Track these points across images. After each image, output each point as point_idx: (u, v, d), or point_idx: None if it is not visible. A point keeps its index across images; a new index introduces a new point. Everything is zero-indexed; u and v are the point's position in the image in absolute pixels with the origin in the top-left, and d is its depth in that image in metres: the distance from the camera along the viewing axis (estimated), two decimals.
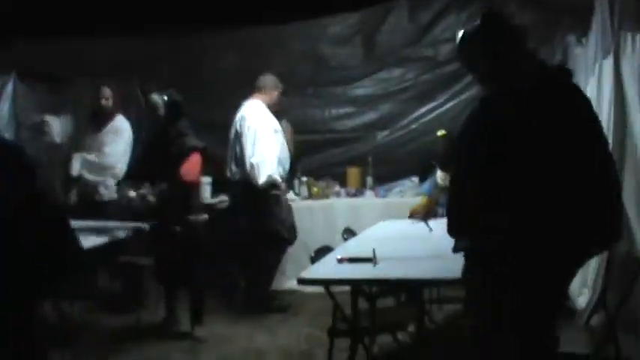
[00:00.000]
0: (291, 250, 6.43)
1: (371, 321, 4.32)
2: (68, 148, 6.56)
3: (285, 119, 6.52)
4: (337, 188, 7.35)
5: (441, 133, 5.56)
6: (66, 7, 5.44)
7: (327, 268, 3.84)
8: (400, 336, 4.56)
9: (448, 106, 7.74)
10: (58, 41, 6.78)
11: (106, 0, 5.47)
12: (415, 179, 7.17)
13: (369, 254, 3.79)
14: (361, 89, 8.02)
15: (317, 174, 7.45)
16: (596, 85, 5.10)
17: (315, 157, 7.66)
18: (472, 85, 7.70)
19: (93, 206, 6.09)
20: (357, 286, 4.11)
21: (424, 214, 5.27)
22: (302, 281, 3.80)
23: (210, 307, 5.98)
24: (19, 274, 2.03)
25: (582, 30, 5.65)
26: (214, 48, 8.05)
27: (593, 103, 5.03)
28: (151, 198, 5.39)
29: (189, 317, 5.53)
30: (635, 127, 4.83)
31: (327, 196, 7.17)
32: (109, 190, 6.26)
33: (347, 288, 4.24)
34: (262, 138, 6.07)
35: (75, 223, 3.32)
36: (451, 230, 3.03)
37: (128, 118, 6.62)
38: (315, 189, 7.14)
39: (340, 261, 3.85)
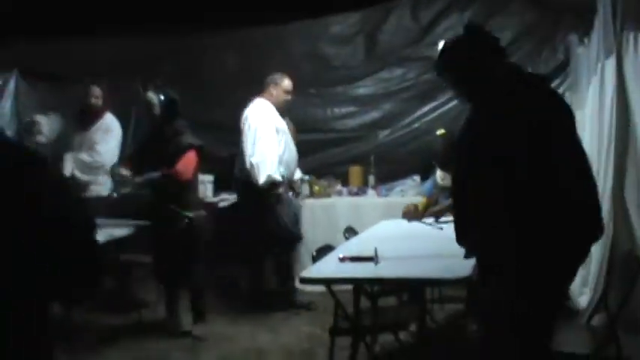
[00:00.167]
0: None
1: (372, 320, 4.32)
2: (58, 148, 6.56)
3: (288, 118, 6.51)
4: (339, 187, 7.35)
5: (440, 132, 5.57)
6: (67, 7, 5.43)
7: (328, 267, 3.84)
8: (402, 335, 4.56)
9: (449, 105, 7.73)
10: (59, 40, 6.79)
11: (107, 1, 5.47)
12: (417, 178, 7.17)
13: (371, 253, 3.79)
14: (363, 89, 8.03)
15: (319, 173, 7.45)
16: (598, 84, 5.10)
17: (317, 156, 7.66)
18: None
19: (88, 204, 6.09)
20: (359, 285, 4.12)
21: (421, 214, 5.28)
22: (304, 280, 3.81)
23: (211, 305, 5.99)
24: (40, 279, 2.03)
25: (584, 29, 5.65)
26: (215, 48, 8.05)
27: (596, 102, 5.08)
28: (139, 181, 5.42)
29: (190, 315, 5.53)
30: (637, 127, 4.83)
31: (328, 195, 7.17)
32: (101, 187, 6.27)
33: (349, 287, 4.25)
34: (262, 137, 6.03)
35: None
36: (459, 239, 3.05)
37: (117, 116, 6.60)
38: (316, 188, 7.14)
39: (342, 260, 3.86)
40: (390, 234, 4.94)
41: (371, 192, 7.21)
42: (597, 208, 3.05)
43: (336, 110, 7.94)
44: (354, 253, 3.97)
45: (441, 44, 3.42)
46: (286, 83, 6.25)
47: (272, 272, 6.41)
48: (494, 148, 2.89)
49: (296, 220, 6.36)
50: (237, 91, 7.76)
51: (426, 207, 5.37)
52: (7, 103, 7.31)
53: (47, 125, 6.73)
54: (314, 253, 4.27)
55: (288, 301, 6.14)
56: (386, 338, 4.71)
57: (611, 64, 4.94)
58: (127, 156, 6.28)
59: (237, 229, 6.39)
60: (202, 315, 5.57)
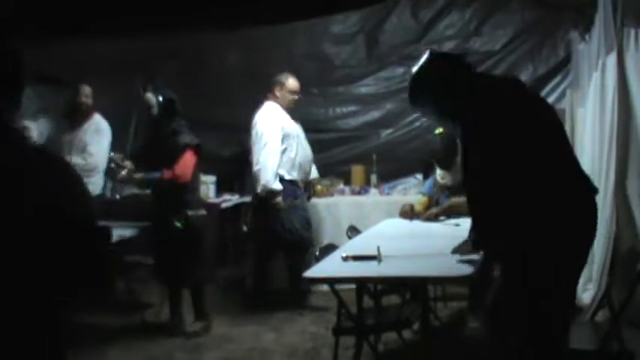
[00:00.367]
0: None
1: (376, 319, 4.33)
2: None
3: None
4: (341, 186, 7.35)
5: (438, 131, 5.58)
6: (68, 6, 5.43)
7: (332, 266, 3.84)
8: (405, 334, 4.56)
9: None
10: (59, 42, 6.79)
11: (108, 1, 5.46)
12: (419, 177, 7.17)
13: (374, 252, 3.79)
14: (364, 88, 8.04)
15: (321, 172, 7.45)
16: (599, 81, 5.10)
17: (319, 156, 7.65)
18: None
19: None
20: (362, 284, 4.12)
21: (420, 214, 5.29)
22: (307, 280, 3.81)
23: (215, 306, 6.00)
24: (53, 283, 2.04)
25: (585, 26, 5.65)
26: (216, 48, 8.06)
27: (597, 99, 5.08)
28: (139, 177, 5.44)
29: (190, 315, 5.58)
30: (639, 123, 4.83)
31: (331, 195, 7.17)
32: (93, 187, 6.27)
33: (352, 286, 4.25)
34: (266, 146, 5.98)
35: None
36: (483, 243, 3.10)
37: (105, 117, 6.57)
38: (319, 187, 7.14)
39: (345, 259, 3.86)
40: (393, 233, 4.94)
41: (373, 191, 7.21)
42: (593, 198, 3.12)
43: (338, 110, 7.95)
44: (357, 252, 3.97)
45: (416, 67, 3.44)
46: (291, 83, 6.19)
47: (281, 273, 6.40)
48: (508, 148, 2.93)
49: (307, 224, 6.27)
50: (239, 91, 7.78)
51: (427, 206, 5.37)
52: None
53: (36, 130, 6.71)
54: (317, 253, 4.27)
55: (299, 303, 6.12)
56: (389, 337, 4.71)
57: (612, 61, 4.94)
58: (127, 155, 6.27)
59: (253, 230, 6.40)
60: (204, 314, 5.57)
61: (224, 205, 7.32)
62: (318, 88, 7.81)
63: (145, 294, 6.18)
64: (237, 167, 7.97)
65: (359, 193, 7.24)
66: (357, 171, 7.50)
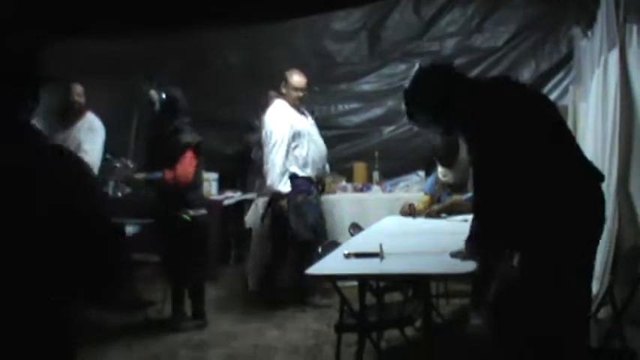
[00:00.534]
0: None
1: (378, 316, 4.33)
2: None
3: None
4: (344, 183, 7.35)
5: None
6: (68, 6, 5.44)
7: (334, 264, 3.84)
8: (408, 331, 4.57)
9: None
10: (60, 41, 6.79)
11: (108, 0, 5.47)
12: (421, 174, 7.17)
13: (376, 249, 3.79)
14: (367, 85, 8.04)
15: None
16: (602, 77, 5.09)
17: None
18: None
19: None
20: (365, 281, 4.12)
21: (421, 212, 5.30)
22: (309, 277, 3.80)
23: (218, 303, 6.01)
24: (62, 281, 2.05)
25: (587, 22, 5.64)
26: (219, 45, 8.07)
27: (599, 95, 5.07)
28: (140, 177, 5.43)
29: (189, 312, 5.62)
30: None
31: (333, 192, 7.16)
32: None
33: (354, 283, 4.25)
34: (275, 145, 5.98)
35: None
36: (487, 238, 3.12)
37: (106, 116, 6.54)
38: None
39: (347, 256, 3.85)
40: (395, 230, 4.94)
41: (375, 188, 7.21)
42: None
43: (340, 107, 7.95)
44: (360, 249, 3.97)
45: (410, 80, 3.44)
46: (294, 79, 6.15)
47: (282, 270, 6.41)
48: (513, 144, 2.95)
49: (321, 220, 6.24)
50: (240, 89, 7.79)
51: (429, 205, 5.37)
52: None
53: None
54: (319, 250, 4.27)
55: (302, 301, 6.11)
56: (392, 334, 4.72)
57: (614, 57, 4.93)
58: (130, 154, 6.27)
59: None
60: (200, 313, 5.58)
61: (226, 202, 7.33)
62: (320, 85, 7.80)
63: (147, 291, 6.18)
64: (239, 165, 7.98)
65: (361, 190, 7.24)
66: (359, 168, 7.50)
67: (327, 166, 6.60)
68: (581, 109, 5.71)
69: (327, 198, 6.93)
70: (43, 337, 2.02)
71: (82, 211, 2.04)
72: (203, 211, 5.47)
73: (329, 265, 3.84)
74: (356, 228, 5.05)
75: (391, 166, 7.44)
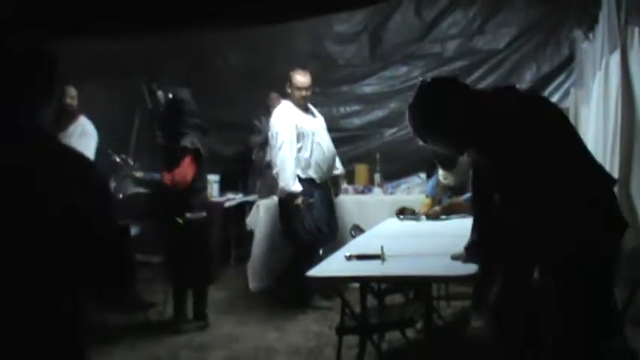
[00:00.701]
0: None
1: (379, 318, 4.33)
2: None
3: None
4: (345, 185, 7.34)
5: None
6: (68, 6, 5.44)
7: (335, 266, 3.84)
8: (409, 333, 4.57)
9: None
10: (60, 41, 6.78)
11: (109, 1, 5.46)
12: (422, 176, 7.17)
13: (378, 251, 3.79)
14: (368, 87, 8.05)
15: None
16: (603, 79, 5.09)
17: None
18: (478, 82, 7.72)
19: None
20: (366, 283, 4.12)
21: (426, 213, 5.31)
22: (310, 279, 3.80)
23: (219, 305, 6.01)
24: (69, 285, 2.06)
25: (589, 24, 5.65)
26: (220, 46, 8.08)
27: (601, 97, 5.07)
28: (139, 176, 5.43)
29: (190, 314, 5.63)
30: None
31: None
32: None
33: (355, 285, 4.25)
34: (282, 146, 5.99)
35: None
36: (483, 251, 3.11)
37: (97, 117, 6.53)
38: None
39: (348, 258, 3.86)
40: (396, 232, 4.94)
41: (377, 190, 7.21)
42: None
43: (342, 109, 7.96)
44: (361, 251, 3.97)
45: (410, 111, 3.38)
46: (297, 80, 6.12)
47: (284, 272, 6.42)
48: (531, 156, 2.93)
49: (324, 223, 6.16)
50: (241, 91, 7.79)
51: (430, 207, 5.37)
52: None
53: None
54: (321, 252, 4.27)
55: (303, 303, 6.11)
56: (393, 336, 4.71)
57: (615, 59, 4.93)
58: (131, 153, 6.26)
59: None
60: (201, 315, 5.58)
61: (227, 204, 7.33)
62: (322, 87, 7.82)
63: (148, 293, 6.18)
64: (240, 166, 7.99)
65: (362, 192, 7.24)
66: (361, 170, 7.50)
67: (341, 168, 6.55)
68: (583, 112, 5.71)
69: None
70: (50, 339, 2.02)
71: (92, 213, 2.04)
72: (202, 215, 5.45)
73: (330, 267, 3.84)
74: (357, 230, 5.06)
75: (392, 169, 7.45)
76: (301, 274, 5.37)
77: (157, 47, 7.43)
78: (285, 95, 6.24)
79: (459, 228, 4.43)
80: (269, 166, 7.16)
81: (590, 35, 5.62)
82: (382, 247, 3.78)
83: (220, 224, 7.10)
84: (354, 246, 4.31)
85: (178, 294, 5.61)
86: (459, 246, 3.60)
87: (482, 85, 7.70)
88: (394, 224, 5.32)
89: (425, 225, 5.09)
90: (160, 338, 5.37)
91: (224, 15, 5.93)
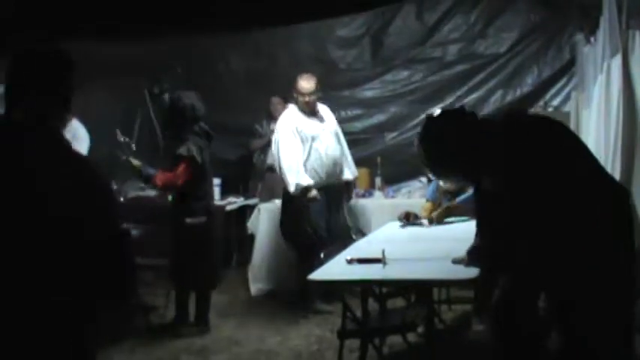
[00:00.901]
0: None
1: (381, 322, 4.32)
2: None
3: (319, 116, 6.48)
4: None
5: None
6: (70, 8, 5.44)
7: (336, 269, 3.84)
8: (410, 336, 4.56)
9: (456, 107, 7.75)
10: (62, 44, 6.79)
11: (110, 2, 5.47)
12: (423, 180, 7.16)
13: (379, 255, 3.79)
14: (370, 91, 8.05)
15: None
16: (604, 83, 5.09)
17: None
18: (479, 86, 7.73)
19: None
20: (367, 286, 4.12)
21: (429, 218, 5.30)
22: (312, 282, 3.80)
23: (220, 308, 6.01)
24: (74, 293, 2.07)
25: (590, 28, 5.65)
26: (221, 50, 8.08)
27: (602, 101, 5.06)
28: (136, 164, 5.44)
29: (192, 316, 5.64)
30: None
31: None
32: None
33: (356, 289, 4.25)
34: (282, 149, 6.04)
35: None
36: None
37: (91, 120, 6.51)
38: None
39: (350, 262, 3.85)
40: (398, 236, 4.94)
41: (378, 194, 7.20)
42: None
43: (343, 113, 7.95)
44: (362, 254, 3.97)
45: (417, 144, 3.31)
46: (300, 85, 6.12)
47: (285, 275, 6.42)
48: (548, 182, 2.92)
49: (321, 227, 6.11)
50: (243, 94, 7.79)
51: (431, 212, 5.36)
52: None
53: None
54: (322, 255, 4.27)
55: (304, 306, 6.10)
56: (394, 340, 4.71)
57: (617, 63, 4.93)
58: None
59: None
60: (202, 319, 5.58)
61: (228, 207, 7.33)
62: (323, 91, 7.80)
63: (149, 296, 6.18)
64: (241, 170, 8.00)
65: (363, 195, 7.23)
66: (362, 174, 7.47)
67: (351, 173, 6.49)
68: (584, 116, 5.71)
69: None
70: (52, 339, 2.03)
71: (94, 216, 2.05)
72: (201, 219, 5.43)
73: (332, 270, 3.84)
74: (358, 233, 5.05)
75: (393, 172, 7.44)
76: (301, 276, 5.40)
77: (159, 50, 7.43)
78: (289, 100, 6.28)
79: (460, 232, 4.43)
80: (270, 169, 7.17)
81: (592, 39, 5.62)
82: (383, 251, 3.78)
83: (221, 228, 7.09)
84: (355, 249, 4.31)
85: (180, 297, 5.62)
86: (461, 250, 3.60)
87: (483, 89, 7.72)
88: (395, 228, 5.32)
89: (426, 229, 5.08)
90: (160, 341, 5.37)
91: (225, 18, 5.93)
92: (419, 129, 3.38)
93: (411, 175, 7.42)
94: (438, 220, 5.14)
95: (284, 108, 6.52)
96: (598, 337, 2.89)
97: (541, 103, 7.37)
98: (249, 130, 7.90)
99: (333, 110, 7.90)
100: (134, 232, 5.54)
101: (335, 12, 6.82)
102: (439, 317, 5.16)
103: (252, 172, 8.07)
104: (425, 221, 5.12)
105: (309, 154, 6.08)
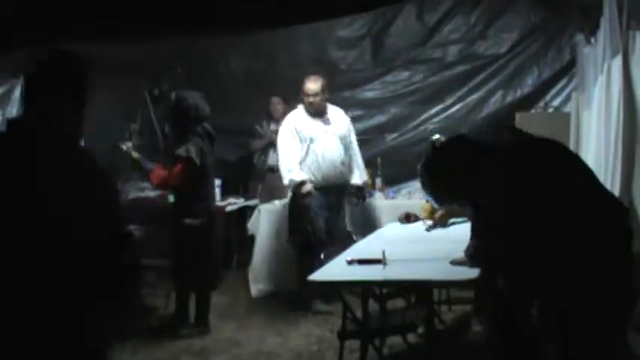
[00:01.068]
0: None
1: (381, 322, 4.32)
2: None
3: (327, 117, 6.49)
4: None
5: (435, 137, 5.58)
6: (72, 9, 5.45)
7: (337, 270, 3.84)
8: (410, 337, 4.56)
9: (456, 107, 7.76)
10: (65, 44, 6.79)
11: (110, 2, 5.47)
12: None
13: (379, 255, 3.79)
14: (370, 92, 8.05)
15: None
16: (605, 84, 5.08)
17: None
18: (480, 87, 7.72)
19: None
20: (367, 287, 4.12)
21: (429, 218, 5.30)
22: (312, 283, 3.80)
23: (220, 309, 6.01)
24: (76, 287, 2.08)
25: (591, 29, 5.64)
26: (222, 51, 8.08)
27: (602, 102, 5.06)
28: (135, 156, 5.45)
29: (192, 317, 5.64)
30: None
31: None
32: None
33: (357, 289, 4.25)
34: (280, 145, 6.22)
35: None
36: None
37: (91, 120, 6.51)
38: None
39: (350, 262, 3.86)
40: (398, 236, 4.94)
41: (378, 194, 7.20)
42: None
43: None
44: (362, 255, 3.97)
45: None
46: (305, 86, 6.16)
47: (285, 275, 6.43)
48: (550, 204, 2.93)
49: (319, 227, 6.12)
50: (244, 95, 7.79)
51: (430, 212, 5.36)
52: (14, 109, 7.29)
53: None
54: (322, 256, 4.27)
55: (305, 307, 6.10)
56: (394, 340, 4.71)
57: (617, 64, 4.93)
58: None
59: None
60: (202, 321, 5.57)
61: (229, 208, 7.33)
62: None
63: (149, 297, 6.18)
64: (241, 171, 7.99)
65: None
66: None
67: (359, 177, 6.48)
68: (585, 117, 5.70)
69: None
70: (58, 337, 2.03)
71: (105, 216, 2.06)
72: (200, 221, 5.42)
73: (332, 271, 3.84)
74: (358, 234, 5.05)
75: (394, 173, 7.43)
76: (300, 277, 5.42)
77: (159, 51, 7.43)
78: (289, 100, 6.33)
79: (460, 233, 4.43)
80: (270, 170, 7.19)
81: (592, 40, 5.61)
82: (384, 252, 3.78)
83: (222, 229, 7.09)
84: (356, 250, 4.31)
85: (180, 298, 5.62)
86: (459, 251, 3.60)
87: (483, 89, 7.71)
88: (396, 229, 5.32)
89: (426, 230, 5.08)
90: (160, 342, 5.36)
91: (226, 19, 5.93)
92: (420, 128, 3.41)
93: (412, 175, 7.37)
94: (442, 223, 5.14)
95: (284, 109, 6.54)
96: (594, 348, 2.91)
97: (541, 103, 7.37)
98: (249, 131, 7.90)
99: None
100: (136, 233, 5.57)
101: (335, 13, 6.81)
102: (439, 318, 5.16)
103: (253, 173, 8.07)
104: (428, 222, 5.12)
105: (306, 154, 6.13)
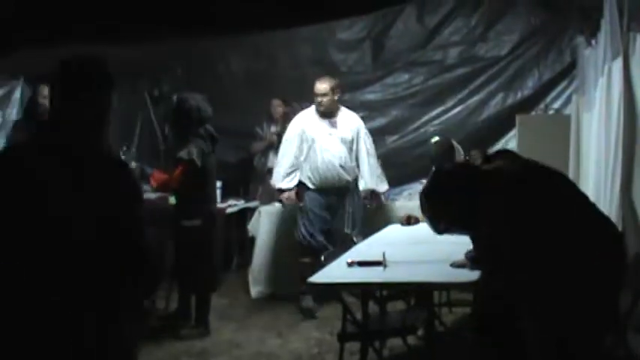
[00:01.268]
0: None
1: (381, 325, 4.32)
2: None
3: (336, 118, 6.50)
4: None
5: (434, 139, 5.62)
6: (72, 10, 5.45)
7: (337, 272, 3.83)
8: (410, 339, 4.55)
9: (456, 109, 7.76)
10: (65, 45, 6.79)
11: (110, 3, 5.47)
12: (424, 182, 7.15)
13: (379, 258, 3.79)
14: (370, 94, 8.05)
15: None
16: (605, 86, 5.08)
17: None
18: (480, 89, 7.72)
19: None
20: (367, 289, 4.11)
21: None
22: (312, 285, 3.80)
23: (220, 311, 6.00)
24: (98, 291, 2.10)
25: (591, 31, 5.64)
26: (222, 53, 8.08)
27: (603, 104, 5.06)
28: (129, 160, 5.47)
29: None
30: None
31: None
32: None
33: (357, 291, 4.24)
34: (281, 147, 6.33)
35: None
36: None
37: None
38: None
39: (350, 264, 3.85)
40: (398, 238, 4.94)
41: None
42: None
43: None
44: (363, 257, 3.97)
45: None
46: (316, 87, 6.17)
47: (286, 277, 6.43)
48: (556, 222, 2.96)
49: (318, 230, 6.15)
50: (244, 97, 7.78)
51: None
52: (14, 111, 7.29)
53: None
54: (322, 258, 4.27)
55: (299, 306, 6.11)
56: (394, 342, 4.70)
57: (617, 66, 4.93)
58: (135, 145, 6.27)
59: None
60: (201, 322, 5.57)
61: (229, 210, 7.32)
62: None
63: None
64: (242, 172, 7.99)
65: (364, 198, 7.21)
66: None
67: (367, 183, 6.48)
68: (585, 119, 5.70)
69: None
70: (74, 336, 2.05)
71: (130, 218, 2.09)
72: (196, 222, 5.40)
73: (332, 273, 3.84)
74: (359, 236, 5.05)
75: (395, 175, 7.41)
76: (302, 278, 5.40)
77: (159, 52, 7.43)
78: (290, 102, 6.37)
79: (460, 235, 4.43)
80: (270, 172, 7.18)
81: (593, 42, 5.61)
82: (384, 254, 3.78)
83: (222, 230, 7.08)
84: (356, 252, 4.31)
85: (180, 299, 5.62)
86: (460, 253, 3.60)
87: (484, 92, 7.71)
88: (396, 231, 5.32)
89: (427, 232, 5.07)
90: (160, 344, 5.35)
91: (226, 20, 5.93)
92: (420, 130, 3.43)
93: (412, 177, 7.41)
94: None
95: (284, 110, 6.54)
96: None
97: (542, 105, 7.37)
98: (250, 133, 7.89)
99: None
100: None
101: (335, 15, 6.81)
102: (439, 320, 5.15)
103: (253, 174, 8.06)
104: None
105: (307, 154, 6.13)
